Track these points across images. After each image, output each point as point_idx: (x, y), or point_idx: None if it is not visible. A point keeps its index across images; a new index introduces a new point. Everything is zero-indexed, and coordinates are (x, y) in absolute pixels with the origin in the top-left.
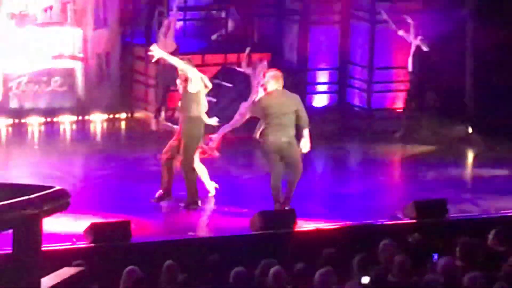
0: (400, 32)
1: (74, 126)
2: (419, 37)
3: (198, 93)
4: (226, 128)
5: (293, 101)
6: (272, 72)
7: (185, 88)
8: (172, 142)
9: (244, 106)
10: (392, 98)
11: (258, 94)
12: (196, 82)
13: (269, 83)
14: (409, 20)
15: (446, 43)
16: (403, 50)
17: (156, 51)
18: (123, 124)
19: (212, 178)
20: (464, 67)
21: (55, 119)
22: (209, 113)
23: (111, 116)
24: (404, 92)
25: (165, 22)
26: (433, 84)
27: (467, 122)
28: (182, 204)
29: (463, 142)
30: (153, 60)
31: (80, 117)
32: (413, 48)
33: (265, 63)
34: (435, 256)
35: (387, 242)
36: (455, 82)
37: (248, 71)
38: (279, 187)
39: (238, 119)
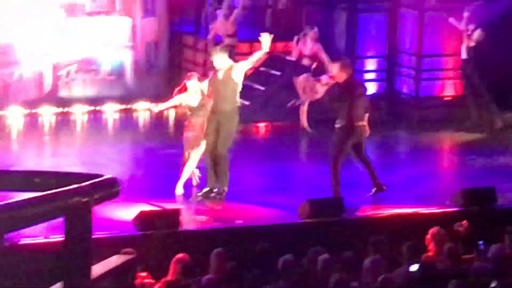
0: (451, 20)
1: (122, 115)
2: (471, 25)
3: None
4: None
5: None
6: (340, 62)
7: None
8: (196, 137)
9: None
10: (440, 86)
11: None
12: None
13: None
14: (465, 13)
15: (497, 30)
16: (452, 38)
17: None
18: (171, 112)
19: (259, 166)
20: None
21: (103, 108)
22: (257, 101)
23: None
24: (453, 79)
25: (227, 2)
26: (485, 71)
27: None
28: (214, 193)
29: None
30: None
31: (128, 106)
32: (465, 36)
33: (316, 29)
34: (481, 244)
35: (436, 230)
36: (507, 70)
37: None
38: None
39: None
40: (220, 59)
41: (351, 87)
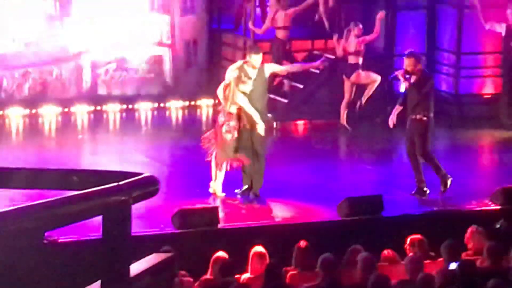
0: (488, 26)
1: (161, 113)
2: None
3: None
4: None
5: None
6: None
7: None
8: (228, 140)
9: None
10: (480, 84)
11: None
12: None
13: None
14: (509, 10)
15: None
16: (491, 35)
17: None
18: (210, 111)
19: (298, 163)
20: None
21: (142, 106)
22: (296, 99)
23: (198, 102)
24: (492, 77)
25: None
26: None
27: None
28: (251, 192)
29: None
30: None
31: (167, 104)
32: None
33: (360, 26)
34: None
35: (475, 228)
36: None
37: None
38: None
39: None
40: (260, 58)
41: (427, 78)
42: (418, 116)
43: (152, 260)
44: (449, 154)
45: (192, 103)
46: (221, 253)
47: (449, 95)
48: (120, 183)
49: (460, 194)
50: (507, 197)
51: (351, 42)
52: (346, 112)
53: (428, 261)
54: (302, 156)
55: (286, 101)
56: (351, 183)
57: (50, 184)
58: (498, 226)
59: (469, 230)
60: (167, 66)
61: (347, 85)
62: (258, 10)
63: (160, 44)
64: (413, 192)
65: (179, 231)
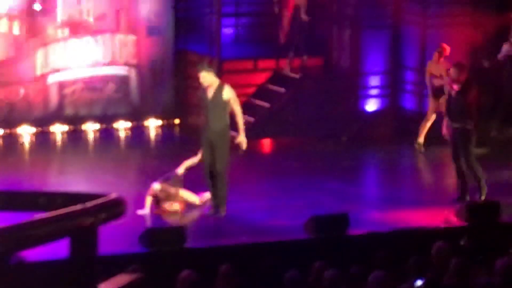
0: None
1: (129, 132)
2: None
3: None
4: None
5: None
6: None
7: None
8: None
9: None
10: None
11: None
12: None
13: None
14: None
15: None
16: (454, 53)
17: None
18: (177, 130)
19: (267, 181)
20: None
21: (110, 126)
22: (262, 118)
23: (165, 122)
24: None
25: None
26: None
27: None
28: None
29: None
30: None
31: (135, 123)
32: None
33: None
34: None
35: (441, 245)
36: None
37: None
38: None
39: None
40: (208, 77)
41: (472, 87)
42: (461, 125)
43: (120, 281)
44: (414, 171)
45: (159, 122)
46: (188, 271)
47: (413, 113)
48: (87, 205)
49: (425, 211)
50: (471, 213)
51: (439, 65)
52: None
53: None
54: (268, 174)
55: (252, 119)
56: (317, 201)
57: (17, 206)
58: (462, 243)
59: (435, 246)
60: (134, 85)
61: (434, 106)
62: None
63: (126, 64)
64: (456, 199)
65: (147, 250)
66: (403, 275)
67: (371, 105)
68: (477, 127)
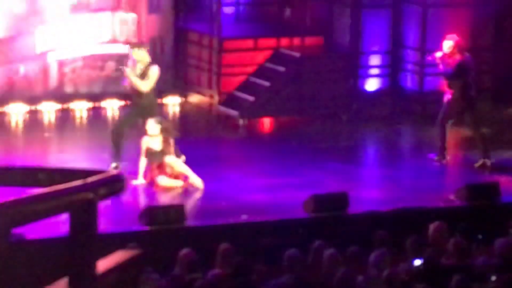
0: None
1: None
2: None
3: None
4: None
5: None
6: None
7: None
8: None
9: None
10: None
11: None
12: None
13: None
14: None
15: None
16: (455, 33)
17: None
18: (177, 108)
19: (267, 160)
20: None
21: (109, 103)
22: (262, 97)
23: (164, 100)
24: None
25: None
26: (487, 67)
27: None
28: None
29: None
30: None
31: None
32: None
33: None
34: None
35: (439, 225)
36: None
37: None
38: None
39: None
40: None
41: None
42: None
43: (119, 257)
44: (414, 151)
45: (159, 100)
46: (188, 250)
47: (414, 93)
48: (86, 180)
49: (424, 191)
50: (471, 193)
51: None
52: None
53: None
54: (268, 153)
55: (252, 98)
56: (317, 180)
57: (17, 181)
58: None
59: (433, 226)
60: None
61: None
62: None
63: (126, 42)
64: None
65: (147, 228)
66: (402, 255)
67: (371, 85)
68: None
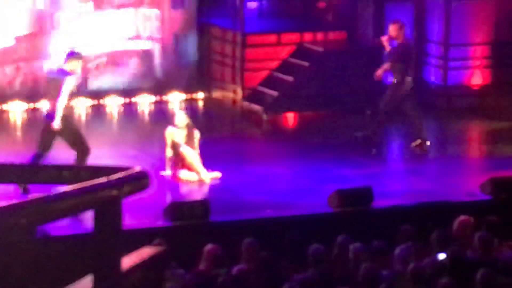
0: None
1: (152, 107)
2: None
3: None
4: None
5: None
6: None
7: None
8: None
9: None
10: (468, 75)
11: None
12: None
13: None
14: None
15: None
16: (479, 26)
17: None
18: (200, 104)
19: (291, 155)
20: None
21: (133, 100)
22: (285, 92)
23: (188, 96)
24: (481, 68)
25: None
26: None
27: None
28: None
29: None
30: None
31: (158, 97)
32: None
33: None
34: None
35: (465, 219)
36: None
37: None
38: None
39: None
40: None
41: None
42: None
43: (144, 254)
44: (439, 145)
45: (183, 96)
46: (213, 245)
47: (437, 87)
48: (111, 177)
49: (450, 185)
50: (496, 187)
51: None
52: None
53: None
54: (292, 148)
55: (275, 93)
56: (341, 175)
57: (42, 179)
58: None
59: (459, 220)
60: (157, 60)
61: None
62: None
63: (150, 38)
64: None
65: (171, 224)
66: (426, 249)
67: None
68: None
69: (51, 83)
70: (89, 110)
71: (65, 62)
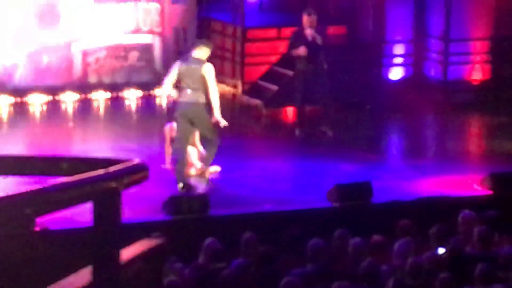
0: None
1: (151, 100)
2: None
3: None
4: None
5: None
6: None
7: None
8: None
9: None
10: (468, 70)
11: None
12: None
13: None
14: None
15: None
16: (479, 22)
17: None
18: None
19: (290, 149)
20: None
21: (133, 93)
22: (285, 86)
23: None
24: (481, 63)
25: None
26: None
27: None
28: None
29: None
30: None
31: (157, 91)
32: None
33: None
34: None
35: (466, 213)
36: None
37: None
38: None
39: None
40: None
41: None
42: None
43: (143, 246)
44: (438, 140)
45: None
46: (212, 239)
47: (437, 82)
48: (110, 169)
49: (449, 180)
50: (496, 182)
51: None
52: None
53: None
54: (291, 142)
55: (275, 87)
56: (340, 170)
57: (39, 170)
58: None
59: (460, 215)
60: (157, 54)
61: None
62: None
63: (150, 32)
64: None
65: (171, 217)
66: (425, 244)
67: (395, 74)
68: None
69: None
70: (88, 104)
71: None
